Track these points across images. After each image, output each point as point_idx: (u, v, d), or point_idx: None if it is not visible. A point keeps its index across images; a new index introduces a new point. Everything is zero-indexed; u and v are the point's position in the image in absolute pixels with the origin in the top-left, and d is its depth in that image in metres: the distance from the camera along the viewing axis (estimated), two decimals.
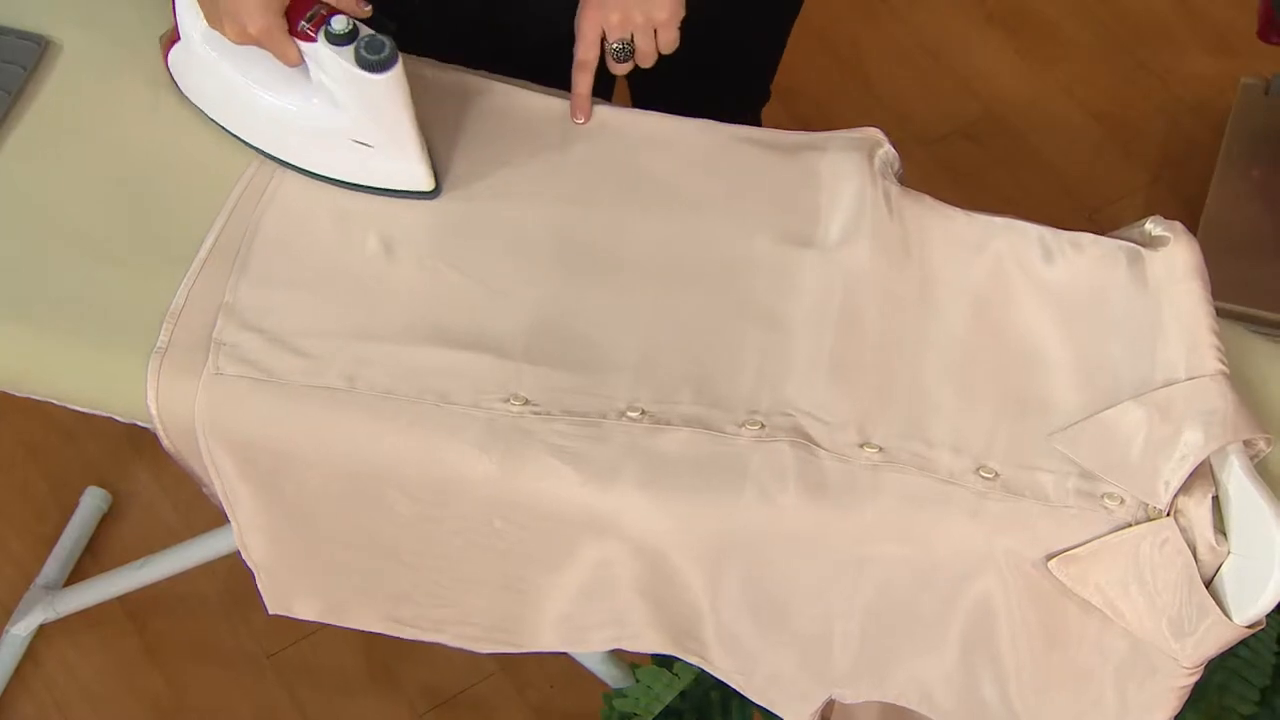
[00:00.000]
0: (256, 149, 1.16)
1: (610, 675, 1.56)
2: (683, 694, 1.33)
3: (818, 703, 1.12)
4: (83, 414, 1.12)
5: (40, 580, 1.80)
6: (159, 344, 1.05)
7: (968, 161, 2.28)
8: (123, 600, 1.77)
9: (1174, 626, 0.98)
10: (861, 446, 1.03)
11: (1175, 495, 0.99)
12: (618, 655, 1.58)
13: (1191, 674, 1.00)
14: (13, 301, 1.08)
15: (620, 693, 1.36)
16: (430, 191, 1.14)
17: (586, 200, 1.16)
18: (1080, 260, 1.13)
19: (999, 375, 1.08)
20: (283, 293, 1.08)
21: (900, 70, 2.38)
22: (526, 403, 1.03)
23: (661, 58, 1.22)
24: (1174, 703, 1.02)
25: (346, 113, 1.10)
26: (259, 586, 1.15)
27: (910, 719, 1.14)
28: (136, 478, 1.92)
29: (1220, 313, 1.11)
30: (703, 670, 1.32)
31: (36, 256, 1.11)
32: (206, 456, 1.05)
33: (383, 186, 1.14)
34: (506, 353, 1.06)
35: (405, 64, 1.07)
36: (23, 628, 1.76)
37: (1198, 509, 0.99)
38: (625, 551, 1.04)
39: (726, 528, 1.02)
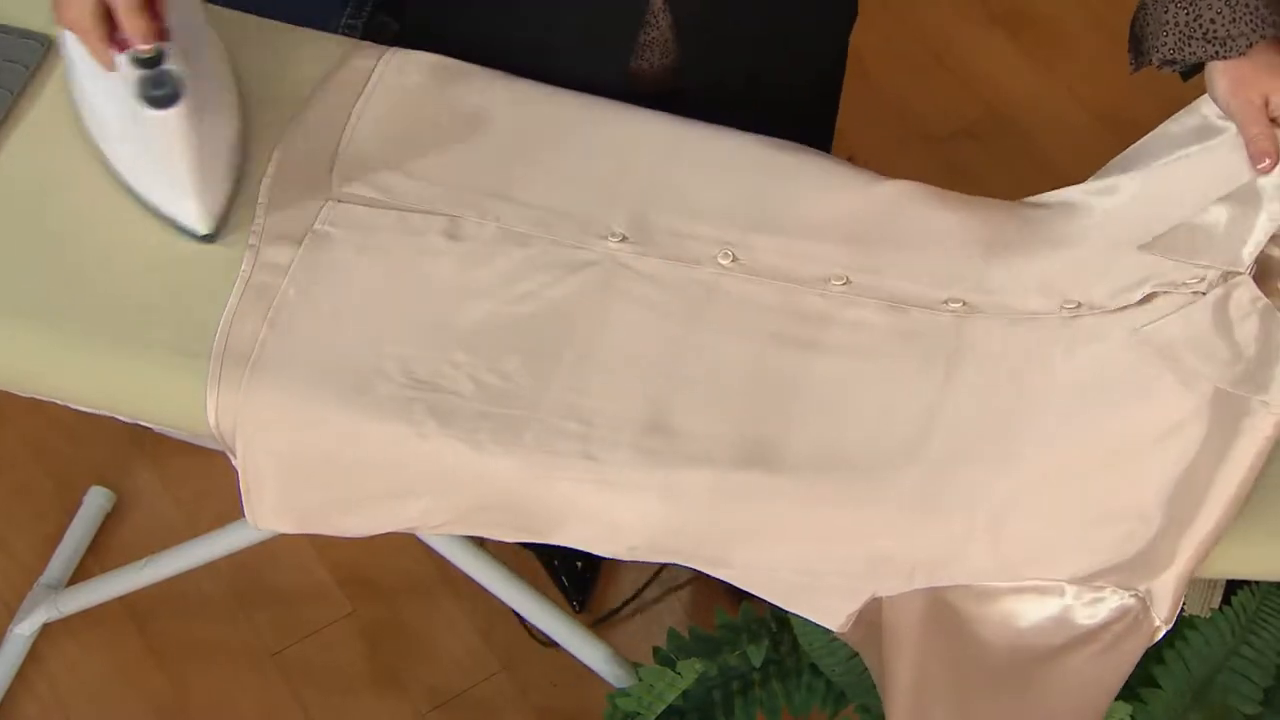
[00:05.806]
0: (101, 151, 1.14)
1: (613, 674, 1.57)
2: (685, 693, 1.33)
3: (860, 599, 1.07)
4: (86, 413, 1.12)
5: (43, 579, 1.80)
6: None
7: (970, 161, 2.28)
8: (126, 599, 1.77)
9: (1260, 370, 1.03)
10: (946, 301, 1.11)
11: (1255, 261, 1.06)
12: (620, 655, 1.58)
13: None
14: (28, 305, 1.08)
15: (623, 692, 1.35)
16: (205, 235, 1.10)
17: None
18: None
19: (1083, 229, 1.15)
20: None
21: (903, 70, 2.38)
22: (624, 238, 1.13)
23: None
24: (1265, 449, 1.04)
25: (129, 133, 1.09)
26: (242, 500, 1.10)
27: (953, 621, 1.07)
28: (140, 477, 1.92)
29: None
30: (705, 669, 1.32)
31: (45, 257, 1.10)
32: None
33: (164, 214, 1.11)
34: None
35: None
36: (26, 627, 1.76)
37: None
38: None
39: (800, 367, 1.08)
